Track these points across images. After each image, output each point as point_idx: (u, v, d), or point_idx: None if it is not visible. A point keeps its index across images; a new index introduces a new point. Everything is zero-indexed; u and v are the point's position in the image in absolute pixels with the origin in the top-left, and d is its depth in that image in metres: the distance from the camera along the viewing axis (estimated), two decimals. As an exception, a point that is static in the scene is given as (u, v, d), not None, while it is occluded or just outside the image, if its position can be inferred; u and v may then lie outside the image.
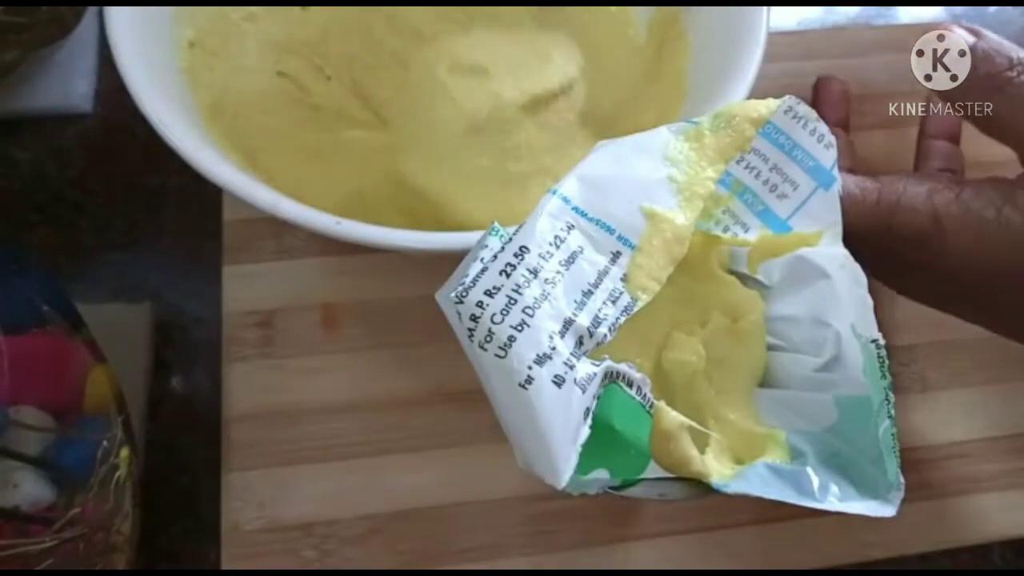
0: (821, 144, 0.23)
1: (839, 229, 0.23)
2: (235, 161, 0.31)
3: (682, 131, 0.22)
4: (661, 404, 0.20)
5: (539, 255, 0.20)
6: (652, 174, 0.21)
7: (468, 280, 0.19)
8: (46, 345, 0.28)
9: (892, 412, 0.20)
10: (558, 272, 0.20)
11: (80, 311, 0.29)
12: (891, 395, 0.20)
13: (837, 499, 0.20)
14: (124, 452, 0.28)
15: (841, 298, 0.22)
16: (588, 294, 0.20)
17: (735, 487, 0.20)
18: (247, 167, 0.31)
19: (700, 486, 0.20)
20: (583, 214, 0.20)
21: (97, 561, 0.27)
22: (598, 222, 0.20)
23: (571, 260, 0.20)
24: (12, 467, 0.25)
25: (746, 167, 0.23)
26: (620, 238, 0.21)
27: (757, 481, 0.20)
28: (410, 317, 0.36)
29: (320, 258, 0.37)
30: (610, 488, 0.20)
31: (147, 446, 0.34)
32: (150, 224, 0.38)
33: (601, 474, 0.19)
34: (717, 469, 0.20)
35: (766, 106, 0.22)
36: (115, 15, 0.30)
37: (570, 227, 0.20)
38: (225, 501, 0.32)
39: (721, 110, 0.22)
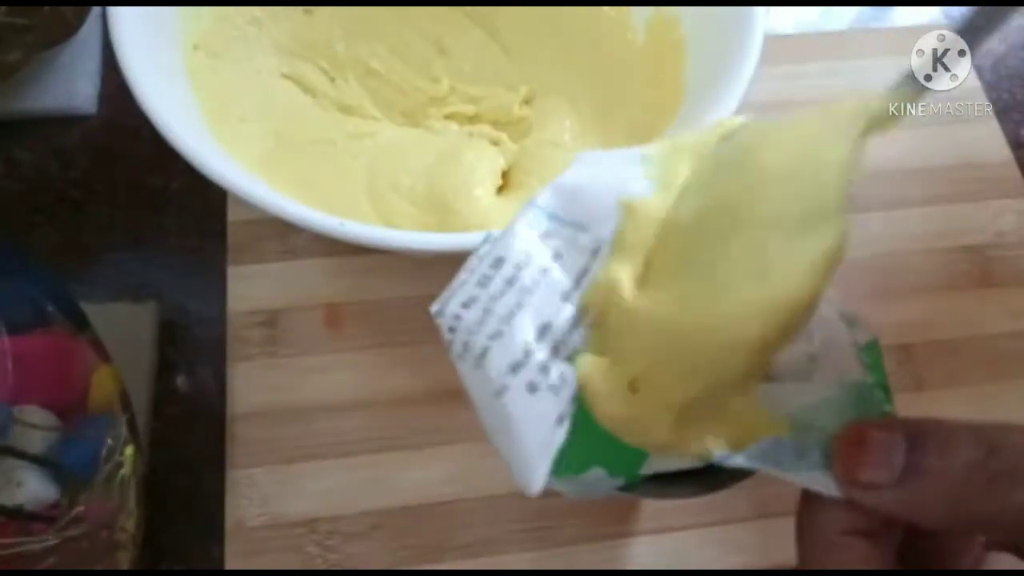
0: None
1: None
2: (239, 163, 0.31)
3: (662, 140, 0.22)
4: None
5: (515, 264, 0.20)
6: (628, 172, 0.21)
7: (447, 293, 0.20)
8: (51, 345, 0.28)
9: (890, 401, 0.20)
10: (535, 281, 0.20)
11: (85, 311, 0.30)
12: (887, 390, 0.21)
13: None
14: (128, 450, 0.28)
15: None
16: (567, 296, 0.20)
17: (734, 460, 0.20)
18: (252, 168, 0.31)
19: (703, 483, 0.20)
20: (559, 219, 0.21)
21: (101, 559, 0.27)
22: (574, 223, 0.21)
23: (548, 268, 0.20)
24: (16, 465, 0.25)
25: None
26: (598, 237, 0.21)
27: (757, 453, 0.20)
28: (413, 316, 0.36)
29: (324, 258, 0.37)
30: (618, 489, 0.20)
31: (151, 444, 0.34)
32: (154, 225, 0.38)
33: (598, 472, 0.19)
34: (715, 444, 0.20)
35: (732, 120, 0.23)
36: (119, 17, 0.30)
37: (547, 234, 0.20)
38: (229, 498, 0.32)
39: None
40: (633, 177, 0.21)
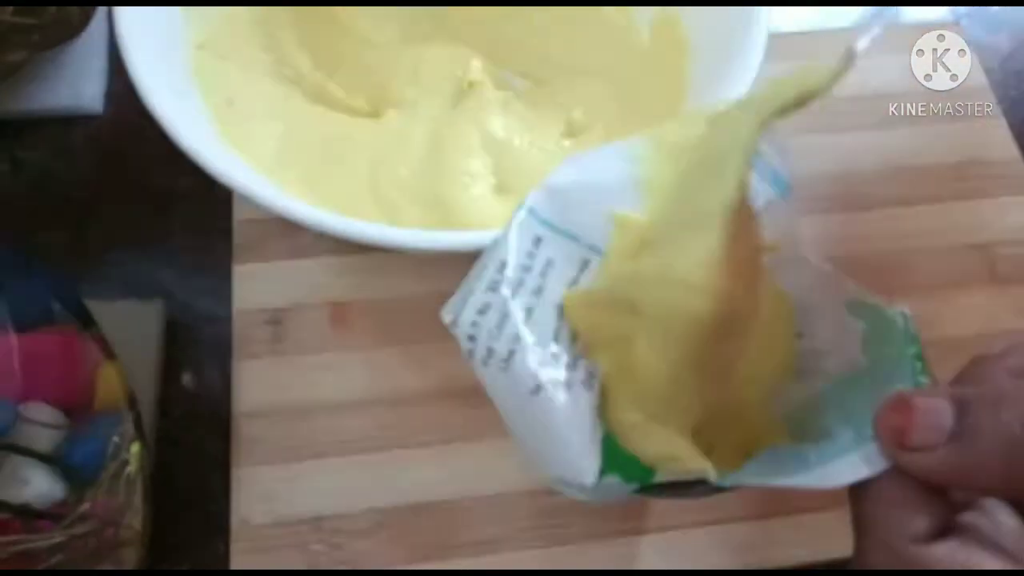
0: (778, 153, 0.23)
1: (796, 238, 0.23)
2: (245, 162, 0.31)
3: (648, 135, 0.22)
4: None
5: (518, 268, 0.20)
6: (617, 175, 0.21)
7: (458, 301, 0.20)
8: (57, 343, 0.28)
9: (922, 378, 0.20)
10: (539, 285, 0.20)
11: (91, 309, 0.30)
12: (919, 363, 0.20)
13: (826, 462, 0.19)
14: (134, 448, 0.29)
15: (824, 277, 0.22)
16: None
17: (728, 482, 0.20)
18: (257, 168, 0.32)
19: (712, 485, 0.20)
20: (551, 226, 0.21)
21: (107, 556, 0.27)
22: (565, 233, 0.21)
23: (545, 272, 0.20)
24: (23, 463, 0.25)
25: None
26: (589, 247, 0.21)
27: (753, 470, 0.20)
28: (418, 315, 0.36)
29: (330, 257, 0.37)
30: (630, 493, 0.20)
31: (157, 442, 0.34)
32: (161, 224, 0.39)
33: (613, 479, 0.20)
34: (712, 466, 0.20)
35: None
36: (124, 16, 0.30)
37: (540, 240, 0.20)
38: (234, 496, 0.32)
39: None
40: (622, 179, 0.21)
